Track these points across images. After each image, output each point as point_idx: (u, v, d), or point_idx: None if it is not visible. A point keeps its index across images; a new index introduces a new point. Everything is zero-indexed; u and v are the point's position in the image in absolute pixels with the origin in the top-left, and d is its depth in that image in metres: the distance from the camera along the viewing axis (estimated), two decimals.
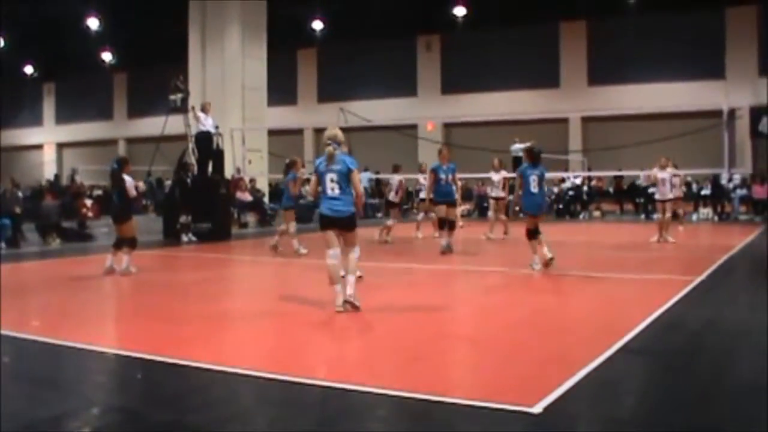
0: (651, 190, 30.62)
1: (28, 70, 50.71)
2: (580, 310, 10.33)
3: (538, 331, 8.78)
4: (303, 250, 17.19)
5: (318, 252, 11.90)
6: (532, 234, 14.10)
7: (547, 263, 13.86)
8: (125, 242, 14.05)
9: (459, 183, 19.17)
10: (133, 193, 14.03)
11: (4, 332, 8.84)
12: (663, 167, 19.66)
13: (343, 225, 10.09)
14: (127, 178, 14.03)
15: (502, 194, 21.75)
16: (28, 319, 10.24)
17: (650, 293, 11.54)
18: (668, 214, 19.71)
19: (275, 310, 10.46)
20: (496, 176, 21.70)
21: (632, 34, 36.66)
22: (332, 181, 10.01)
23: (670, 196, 19.98)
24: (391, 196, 21.20)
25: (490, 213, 22.01)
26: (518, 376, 6.76)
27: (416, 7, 37.18)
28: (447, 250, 16.80)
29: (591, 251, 18.76)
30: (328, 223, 10.07)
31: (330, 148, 9.98)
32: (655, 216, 20.98)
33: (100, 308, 11.12)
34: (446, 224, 17.18)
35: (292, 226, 17.54)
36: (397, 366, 7.30)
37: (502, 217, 21.82)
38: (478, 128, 37.57)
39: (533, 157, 14.28)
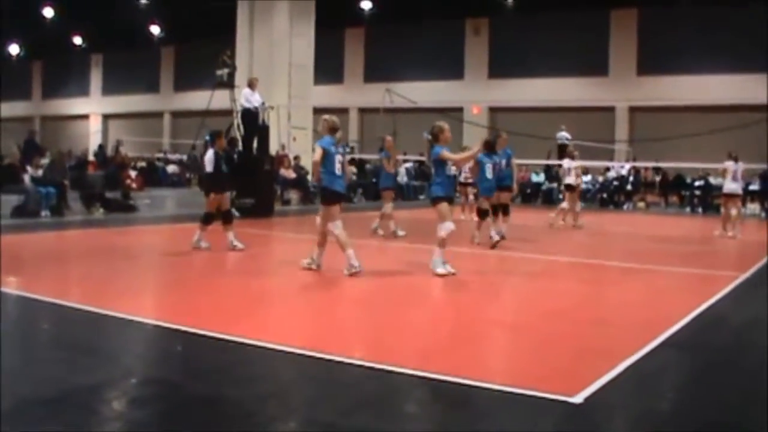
0: (697, 183, 30.41)
1: (77, 41, 51.07)
2: (622, 302, 10.22)
3: (579, 321, 8.71)
4: (401, 232, 16.96)
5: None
6: (483, 214, 15.68)
7: (493, 245, 14.99)
8: (213, 217, 14.02)
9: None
10: (209, 168, 13.99)
11: (45, 299, 8.94)
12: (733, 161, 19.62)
13: (344, 200, 12.11)
14: (209, 153, 14.02)
15: (574, 183, 21.44)
16: (69, 286, 10.34)
17: (693, 288, 11.44)
18: (734, 211, 19.52)
19: (315, 287, 10.48)
20: (571, 164, 21.45)
21: (683, 25, 36.16)
22: (339, 162, 11.30)
23: (739, 191, 20.03)
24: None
25: (564, 202, 21.83)
26: (558, 365, 6.72)
27: None
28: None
29: (634, 242, 18.57)
30: (338, 198, 11.43)
31: (340, 133, 11.59)
32: (722, 210, 20.67)
33: (141, 280, 11.17)
34: (499, 210, 16.89)
35: (389, 207, 17.06)
36: (437, 349, 7.27)
37: (577, 206, 21.64)
38: (524, 114, 37.39)
39: (488, 147, 15.69)
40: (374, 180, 31.90)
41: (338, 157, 11.25)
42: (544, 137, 30.47)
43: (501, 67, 41.41)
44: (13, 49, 53.97)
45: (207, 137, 14.52)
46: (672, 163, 29.21)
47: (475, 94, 40.98)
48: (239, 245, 13.86)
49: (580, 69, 39.12)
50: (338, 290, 10.42)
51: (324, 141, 11.28)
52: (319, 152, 11.11)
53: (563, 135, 32.04)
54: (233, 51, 29.03)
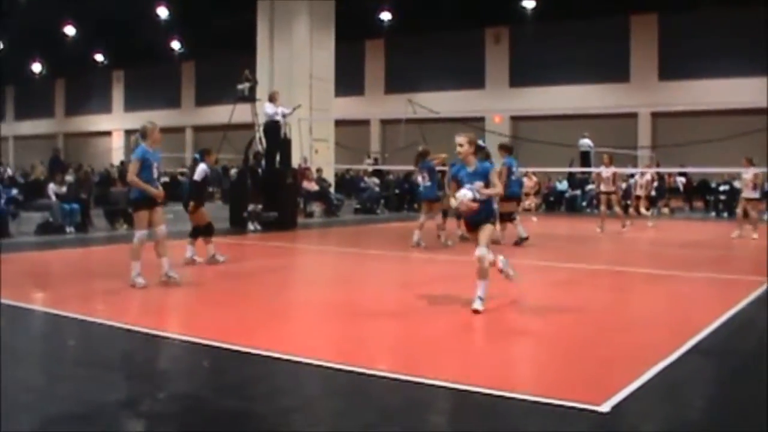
0: (722, 188, 30.20)
1: (98, 58, 51.39)
2: (648, 309, 10.16)
3: (604, 328, 8.66)
4: (450, 242, 16.98)
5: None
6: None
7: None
8: (200, 231, 14.00)
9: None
10: (196, 177, 14.14)
11: (72, 315, 8.97)
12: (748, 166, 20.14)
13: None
14: (201, 165, 14.15)
15: (612, 188, 21.75)
16: (95, 303, 10.37)
17: (720, 293, 11.33)
18: (753, 213, 20.08)
19: (340, 300, 10.46)
20: (606, 172, 21.60)
21: (704, 29, 35.95)
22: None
23: (758, 196, 20.40)
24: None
25: (602, 207, 22.09)
26: (584, 373, 6.68)
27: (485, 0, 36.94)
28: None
29: (659, 248, 18.47)
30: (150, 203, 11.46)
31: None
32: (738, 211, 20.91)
33: (166, 295, 11.18)
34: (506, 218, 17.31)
35: (425, 217, 17.07)
36: (461, 359, 7.25)
37: (618, 210, 21.76)
38: (546, 122, 37.37)
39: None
40: (398, 191, 31.95)
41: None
42: (567, 145, 30.38)
43: (522, 76, 41.34)
44: (36, 68, 54.34)
45: (196, 155, 14.66)
46: (696, 168, 29.07)
47: (497, 103, 40.93)
48: (221, 258, 13.84)
49: (601, 75, 39.01)
50: (360, 303, 10.39)
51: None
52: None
53: (586, 142, 31.96)
54: (254, 65, 29.18)
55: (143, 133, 11.44)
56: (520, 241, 17.22)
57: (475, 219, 9.36)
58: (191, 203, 13.97)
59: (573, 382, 6.35)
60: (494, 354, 7.45)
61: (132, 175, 11.22)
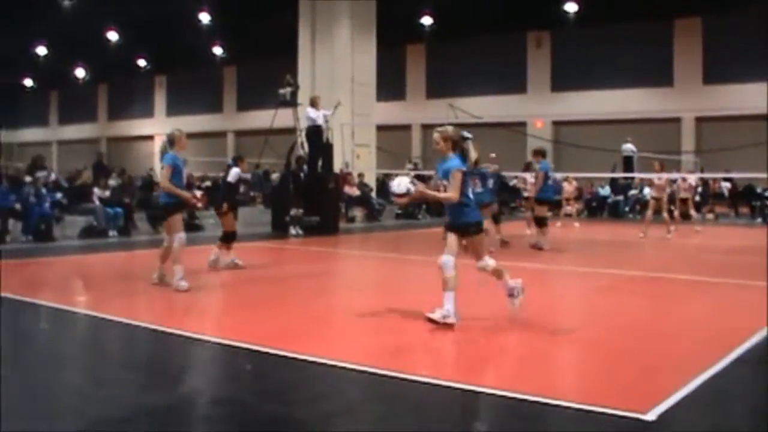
0: None
1: (141, 63, 51.82)
2: (693, 316, 10.05)
3: (647, 335, 8.55)
4: (491, 248, 16.89)
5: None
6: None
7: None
8: (227, 235, 14.12)
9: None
10: (229, 179, 14.20)
11: (115, 318, 9.04)
12: None
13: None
14: (234, 169, 14.22)
15: (662, 194, 21.65)
16: (137, 306, 10.45)
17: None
18: None
19: (381, 305, 10.41)
20: (660, 179, 21.51)
21: (749, 32, 35.53)
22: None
23: None
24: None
25: (649, 213, 21.96)
26: (628, 381, 6.60)
27: (527, 3, 36.74)
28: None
29: (704, 255, 18.26)
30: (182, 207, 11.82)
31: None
32: None
33: (207, 299, 11.23)
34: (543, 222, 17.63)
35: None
36: (503, 365, 7.21)
37: (665, 216, 21.61)
38: (588, 127, 37.12)
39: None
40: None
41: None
42: (610, 150, 30.16)
43: (564, 80, 41.17)
44: (80, 73, 54.88)
45: (230, 161, 14.80)
46: (741, 173, 28.72)
47: (538, 107, 40.79)
48: (240, 263, 13.88)
49: (644, 80, 38.75)
50: (401, 310, 10.34)
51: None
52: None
53: (629, 147, 31.69)
54: (295, 69, 29.25)
55: (171, 140, 11.76)
56: (538, 247, 17.26)
57: (456, 223, 8.89)
58: (224, 204, 14.12)
59: (617, 390, 6.27)
60: (536, 360, 7.38)
61: (165, 181, 11.41)
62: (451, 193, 8.63)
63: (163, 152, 11.95)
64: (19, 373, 6.88)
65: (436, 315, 8.56)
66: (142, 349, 8.13)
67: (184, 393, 6.37)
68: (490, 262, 9.09)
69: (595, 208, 33.05)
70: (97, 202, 20.42)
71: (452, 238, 8.85)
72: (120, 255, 16.79)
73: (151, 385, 6.57)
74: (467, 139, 9.32)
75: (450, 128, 9.00)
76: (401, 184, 8.90)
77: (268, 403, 6.05)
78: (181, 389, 6.48)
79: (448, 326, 8.34)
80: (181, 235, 11.37)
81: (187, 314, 9.76)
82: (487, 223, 17.16)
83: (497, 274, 9.18)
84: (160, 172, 11.92)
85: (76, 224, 20.13)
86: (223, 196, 14.28)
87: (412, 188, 8.86)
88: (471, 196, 8.91)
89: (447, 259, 8.71)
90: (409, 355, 7.72)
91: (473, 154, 10.15)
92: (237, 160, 14.69)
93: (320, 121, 22.06)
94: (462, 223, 8.82)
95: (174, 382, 6.70)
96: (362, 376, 6.68)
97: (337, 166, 25.38)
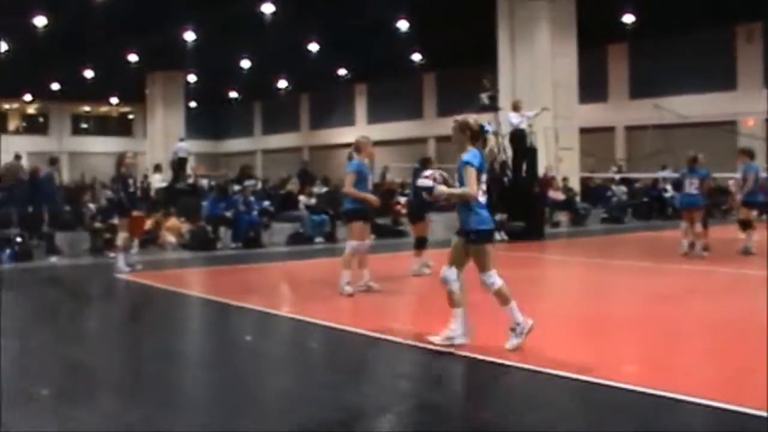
0: None
1: (341, 72, 52.75)
2: None
3: None
4: (704, 253, 16.37)
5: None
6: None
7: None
8: (418, 241, 14.18)
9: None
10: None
11: (320, 322, 9.33)
12: None
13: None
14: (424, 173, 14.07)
15: None
16: (342, 310, 10.65)
17: None
18: None
19: (589, 312, 10.20)
20: None
21: None
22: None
23: None
24: None
25: None
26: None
27: None
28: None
29: None
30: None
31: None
32: None
33: (412, 303, 11.31)
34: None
35: (686, 226, 16.69)
36: (718, 375, 6.71)
37: None
38: None
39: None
40: (646, 199, 30.96)
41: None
42: None
43: None
44: (282, 84, 56.38)
45: (417, 164, 14.64)
46: None
47: (750, 105, 38.84)
48: (427, 270, 13.71)
49: None
50: (614, 314, 9.95)
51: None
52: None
53: None
54: (495, 74, 29.00)
55: (357, 147, 12.07)
56: (746, 252, 16.52)
57: (461, 228, 7.87)
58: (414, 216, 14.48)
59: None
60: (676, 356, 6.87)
61: (349, 187, 11.68)
62: (468, 189, 7.66)
63: (350, 159, 12.25)
64: (230, 373, 7.18)
65: (437, 339, 7.83)
66: (347, 351, 8.31)
67: (389, 396, 6.42)
68: (496, 281, 7.81)
69: None
70: (303, 210, 20.82)
71: (455, 245, 7.96)
72: (325, 261, 16.98)
73: (357, 387, 6.67)
74: (487, 132, 8.27)
75: (471, 118, 8.08)
76: (425, 181, 8.04)
77: (481, 410, 5.99)
78: (386, 392, 6.55)
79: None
80: (352, 243, 11.59)
81: (395, 319, 9.89)
82: (699, 228, 16.52)
83: (501, 298, 7.82)
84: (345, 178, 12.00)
85: (284, 231, 20.61)
86: (419, 206, 14.21)
87: (430, 183, 7.97)
88: (480, 197, 7.80)
89: (445, 271, 7.89)
90: (623, 363, 7.53)
91: (489, 149, 8.81)
92: (424, 164, 14.50)
93: (523, 125, 21.79)
94: (464, 229, 7.82)
95: (379, 385, 6.83)
96: (574, 383, 6.51)
97: (541, 170, 24.98)
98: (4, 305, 11.03)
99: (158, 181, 29.85)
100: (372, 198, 11.79)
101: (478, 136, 7.94)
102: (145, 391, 6.64)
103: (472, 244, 7.79)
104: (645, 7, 36.16)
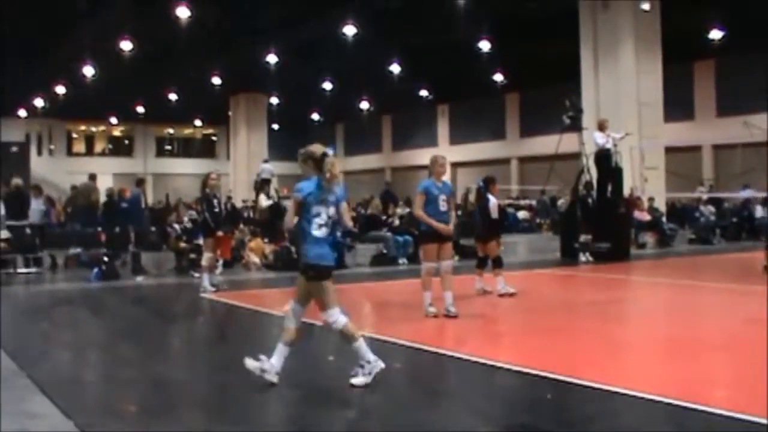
0: None
1: (423, 93, 52.80)
2: None
3: None
4: None
5: None
6: None
7: None
8: (492, 261, 14.02)
9: None
10: (494, 214, 13.94)
11: (401, 342, 9.31)
12: None
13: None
14: (491, 198, 13.98)
15: None
16: (424, 332, 10.56)
17: None
18: None
19: (679, 334, 9.98)
20: None
21: None
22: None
23: None
24: None
25: None
26: None
27: None
28: None
29: None
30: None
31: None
32: None
33: (495, 325, 11.22)
34: None
35: None
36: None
37: None
38: None
39: None
40: (735, 220, 30.37)
41: None
42: None
43: None
44: (364, 105, 56.63)
45: (481, 183, 14.43)
46: None
47: None
48: (512, 289, 13.53)
49: None
50: (704, 337, 9.72)
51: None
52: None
53: None
54: (579, 93, 28.73)
55: (431, 166, 11.68)
56: None
57: (301, 264, 7.58)
58: (484, 235, 14.26)
59: None
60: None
61: (417, 209, 11.51)
62: (286, 219, 7.27)
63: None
64: (314, 393, 7.28)
65: (253, 364, 7.32)
66: (433, 373, 8.30)
67: (478, 419, 6.34)
68: (338, 319, 7.37)
69: None
70: (387, 231, 20.85)
71: (299, 280, 7.55)
72: (409, 282, 16.93)
73: (448, 409, 6.71)
74: (327, 155, 7.40)
75: (313, 147, 7.56)
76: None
77: None
78: (474, 415, 6.45)
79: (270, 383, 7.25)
80: (425, 264, 11.45)
81: (477, 340, 9.95)
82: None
83: (348, 337, 7.42)
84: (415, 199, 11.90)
85: (368, 252, 20.65)
86: (489, 228, 14.12)
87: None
88: (314, 229, 7.29)
89: (289, 305, 7.49)
90: (714, 387, 7.37)
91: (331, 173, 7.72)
92: (488, 183, 14.37)
93: (609, 145, 21.53)
94: (302, 263, 7.49)
95: (469, 408, 6.72)
96: (665, 407, 6.35)
97: (626, 190, 24.65)
98: (93, 323, 11.26)
99: (264, 200, 29.82)
100: (438, 226, 11.26)
101: (320, 164, 7.40)
102: (229, 408, 6.68)
103: (310, 280, 7.39)
104: (732, 21, 35.51)
